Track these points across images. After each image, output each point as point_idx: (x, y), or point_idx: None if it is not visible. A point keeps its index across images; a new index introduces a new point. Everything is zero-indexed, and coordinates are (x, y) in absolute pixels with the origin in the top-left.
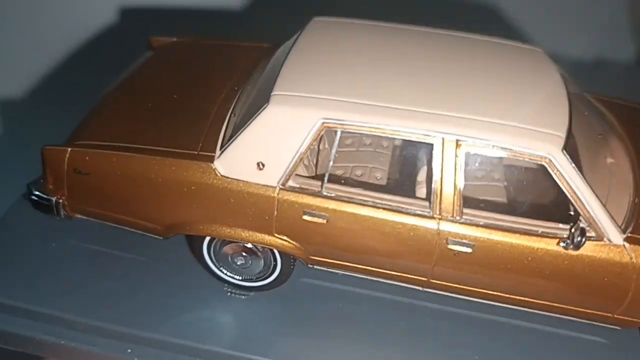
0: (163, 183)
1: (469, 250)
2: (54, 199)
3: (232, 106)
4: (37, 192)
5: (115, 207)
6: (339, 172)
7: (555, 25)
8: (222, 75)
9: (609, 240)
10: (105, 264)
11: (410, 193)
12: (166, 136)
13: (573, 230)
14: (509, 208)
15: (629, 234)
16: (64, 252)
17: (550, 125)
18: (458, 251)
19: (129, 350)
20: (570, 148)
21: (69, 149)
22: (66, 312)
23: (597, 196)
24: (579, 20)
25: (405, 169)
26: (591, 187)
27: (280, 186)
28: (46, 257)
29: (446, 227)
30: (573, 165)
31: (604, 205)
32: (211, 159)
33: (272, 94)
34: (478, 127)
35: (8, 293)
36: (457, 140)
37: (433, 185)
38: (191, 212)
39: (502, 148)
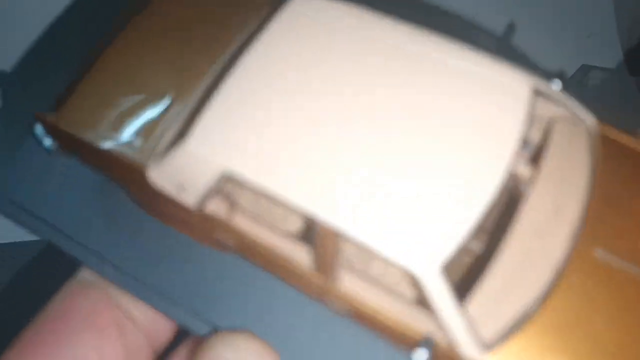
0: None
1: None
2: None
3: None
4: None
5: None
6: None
7: (543, 30)
8: (216, 32)
9: (464, 354)
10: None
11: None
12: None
13: (424, 337)
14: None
15: (496, 351)
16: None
17: (439, 236)
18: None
19: None
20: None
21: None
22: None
23: (460, 315)
24: (568, 26)
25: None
26: (459, 308)
27: (196, 210)
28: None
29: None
30: (444, 285)
31: (466, 320)
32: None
33: (190, 134)
34: (357, 228)
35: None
36: (334, 232)
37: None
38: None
39: (376, 252)
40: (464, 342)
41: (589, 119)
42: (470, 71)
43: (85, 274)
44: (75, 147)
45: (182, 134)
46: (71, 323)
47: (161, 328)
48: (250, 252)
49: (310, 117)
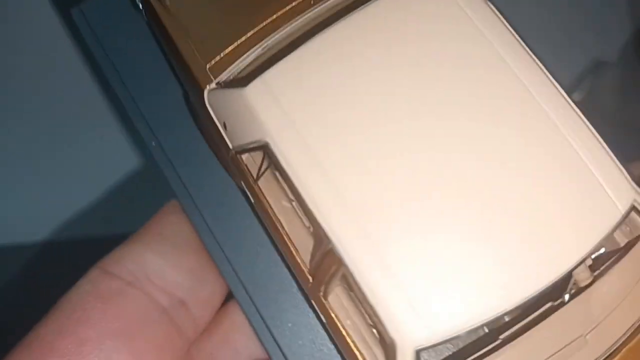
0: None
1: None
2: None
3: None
4: None
5: None
6: None
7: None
8: None
9: None
10: None
11: None
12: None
13: None
14: None
15: None
16: None
17: (442, 316)
18: None
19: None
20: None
21: None
22: None
23: None
24: (577, 25)
25: None
26: None
27: (232, 151)
28: None
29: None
30: None
31: None
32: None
33: (256, 79)
34: (364, 270)
35: None
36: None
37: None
38: None
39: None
40: None
41: None
42: (573, 154)
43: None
44: (154, 21)
45: (248, 74)
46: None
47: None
48: (264, 218)
49: (379, 115)
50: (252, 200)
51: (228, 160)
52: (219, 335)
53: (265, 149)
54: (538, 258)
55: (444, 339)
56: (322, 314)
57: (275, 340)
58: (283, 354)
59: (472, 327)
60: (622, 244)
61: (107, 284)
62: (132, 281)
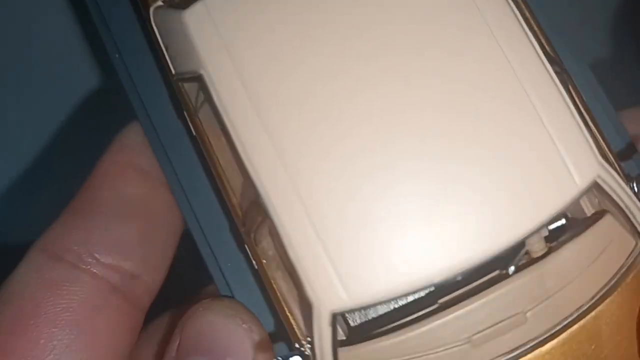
0: None
1: None
2: None
3: None
4: None
5: None
6: None
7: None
8: None
9: None
10: None
11: None
12: None
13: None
14: None
15: None
16: None
17: (366, 281)
18: None
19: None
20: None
21: None
22: None
23: None
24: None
25: None
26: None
27: (174, 78)
28: None
29: None
30: (327, 331)
31: None
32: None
33: (198, 2)
34: (288, 227)
35: None
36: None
37: None
38: None
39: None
40: None
41: None
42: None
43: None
44: None
45: None
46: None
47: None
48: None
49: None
50: (193, 133)
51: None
52: None
53: (199, 81)
54: (479, 227)
55: (365, 305)
56: (254, 259)
57: (222, 274)
58: (230, 289)
59: (397, 296)
60: (588, 216)
61: (52, 270)
62: (78, 263)
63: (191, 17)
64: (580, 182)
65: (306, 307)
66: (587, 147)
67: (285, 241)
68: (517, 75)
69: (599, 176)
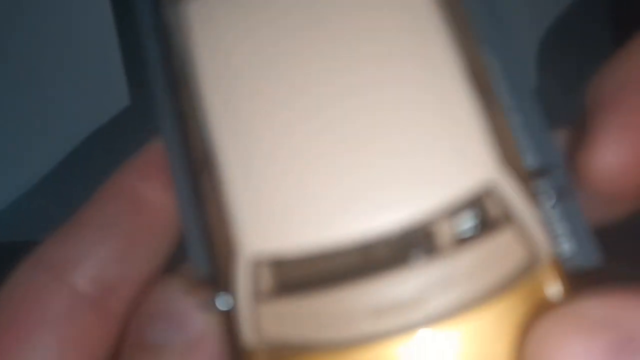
0: None
1: None
2: None
3: None
4: None
5: None
6: None
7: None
8: None
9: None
10: None
11: None
12: None
13: None
14: None
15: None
16: None
17: (290, 230)
18: None
19: None
20: None
21: None
22: None
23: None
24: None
25: None
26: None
27: None
28: None
29: None
30: (247, 278)
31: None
32: None
33: None
34: (227, 168)
35: None
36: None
37: None
38: None
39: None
40: (242, 331)
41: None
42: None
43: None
44: None
45: None
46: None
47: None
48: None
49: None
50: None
51: None
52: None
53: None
54: (384, 201)
55: (283, 256)
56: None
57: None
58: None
59: (314, 253)
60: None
61: (34, 280)
62: (58, 274)
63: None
64: (472, 181)
65: (229, 253)
66: (488, 150)
67: (222, 182)
68: (435, 59)
69: (492, 180)
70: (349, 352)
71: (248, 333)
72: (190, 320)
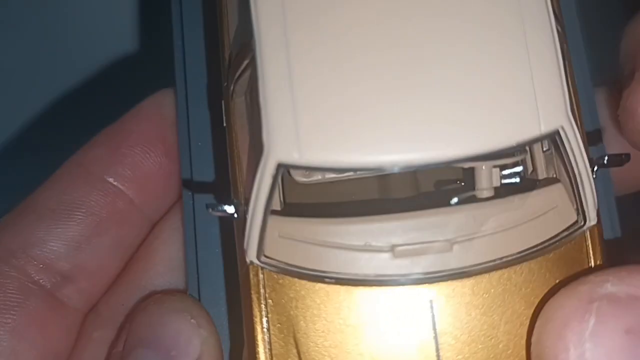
0: None
1: None
2: None
3: None
4: None
5: None
6: None
7: None
8: None
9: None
10: None
11: None
12: None
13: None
14: None
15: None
16: None
17: (327, 139)
18: None
19: None
20: None
21: None
22: None
23: (257, 227)
24: None
25: None
26: (260, 219)
27: None
28: None
29: None
30: (267, 182)
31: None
32: None
33: None
34: (270, 76)
35: None
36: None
37: None
38: None
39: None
40: (248, 244)
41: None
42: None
43: None
44: None
45: None
46: None
47: None
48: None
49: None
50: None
51: None
52: (130, 283)
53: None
54: (435, 132)
55: (311, 165)
56: (225, 116)
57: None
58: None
59: (343, 167)
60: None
61: None
62: (9, 259)
63: None
64: (545, 125)
65: (259, 154)
66: (561, 97)
67: (261, 84)
68: (521, 15)
69: (562, 127)
70: (356, 292)
71: (253, 245)
72: (186, 347)
